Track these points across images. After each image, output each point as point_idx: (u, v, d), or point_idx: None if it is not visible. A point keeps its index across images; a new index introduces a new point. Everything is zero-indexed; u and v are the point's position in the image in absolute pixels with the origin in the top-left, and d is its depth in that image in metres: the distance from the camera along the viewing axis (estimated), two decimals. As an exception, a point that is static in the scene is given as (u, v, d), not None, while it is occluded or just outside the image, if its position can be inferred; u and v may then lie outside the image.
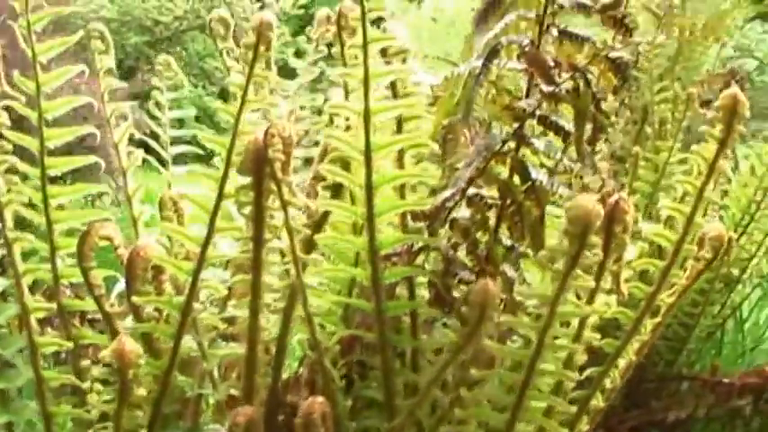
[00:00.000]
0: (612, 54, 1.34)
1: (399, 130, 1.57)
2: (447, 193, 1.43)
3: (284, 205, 1.49)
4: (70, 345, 1.79)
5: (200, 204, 1.56)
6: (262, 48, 1.47)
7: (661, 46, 3.38)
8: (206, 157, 2.10)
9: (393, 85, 1.55)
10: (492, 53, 1.36)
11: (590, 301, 1.53)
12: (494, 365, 1.50)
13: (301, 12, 26.23)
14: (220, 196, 1.55)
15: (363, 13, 1.38)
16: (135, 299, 1.62)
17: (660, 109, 3.53)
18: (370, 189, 1.47)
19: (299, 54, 2.46)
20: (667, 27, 3.52)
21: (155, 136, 2.53)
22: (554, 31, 1.36)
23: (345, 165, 1.59)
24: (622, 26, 1.32)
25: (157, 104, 2.49)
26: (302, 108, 2.21)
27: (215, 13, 2.27)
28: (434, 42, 17.03)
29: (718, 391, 3.40)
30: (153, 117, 2.43)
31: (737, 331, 4.06)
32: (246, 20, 23.62)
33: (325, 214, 1.67)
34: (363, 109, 1.44)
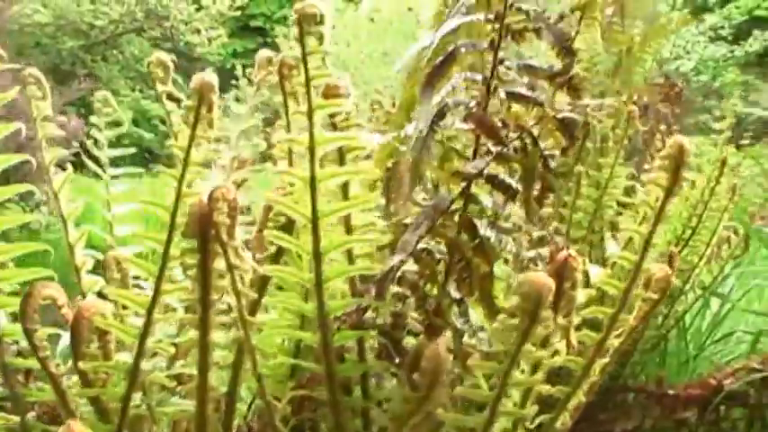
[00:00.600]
0: (560, 114, 1.34)
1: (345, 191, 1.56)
2: (395, 259, 1.41)
3: (230, 268, 1.47)
4: (15, 419, 1.75)
5: (145, 268, 1.54)
6: (203, 110, 1.45)
7: (600, 63, 3.40)
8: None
9: (340, 149, 1.53)
10: (439, 115, 1.35)
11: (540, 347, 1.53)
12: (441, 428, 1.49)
13: (238, 13, 26.11)
14: (165, 259, 1.53)
15: (308, 81, 1.36)
16: (81, 365, 1.59)
17: (601, 125, 3.54)
18: (317, 255, 1.46)
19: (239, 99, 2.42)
20: (608, 42, 3.55)
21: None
22: (501, 93, 1.35)
23: (290, 221, 1.57)
24: (571, 88, 1.31)
25: (96, 142, 2.44)
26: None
27: (153, 55, 2.22)
28: (373, 42, 17.01)
29: (664, 403, 3.44)
30: (91, 157, 2.38)
31: (680, 339, 4.10)
32: (185, 22, 23.44)
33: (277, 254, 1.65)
34: (309, 176, 1.43)
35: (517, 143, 1.37)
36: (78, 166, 2.35)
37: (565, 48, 1.28)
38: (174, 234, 1.52)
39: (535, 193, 1.41)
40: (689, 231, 3.71)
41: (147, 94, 26.50)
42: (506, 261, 1.54)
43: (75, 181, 2.12)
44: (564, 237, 2.89)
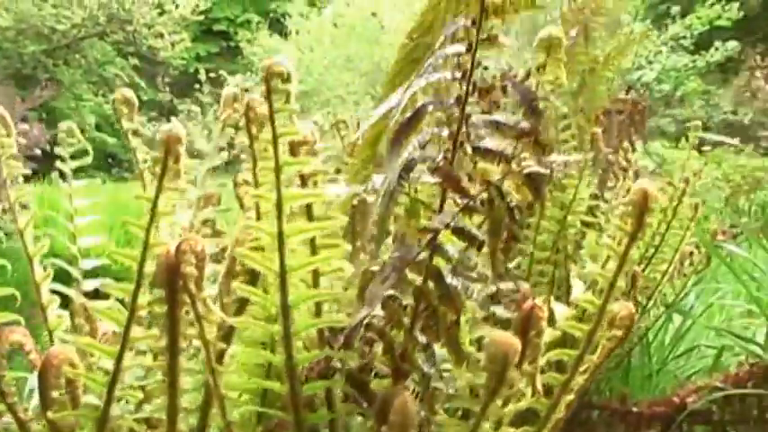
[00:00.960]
0: (527, 169, 1.35)
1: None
2: (363, 313, 1.42)
3: (199, 319, 1.47)
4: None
5: (113, 318, 1.54)
6: (170, 162, 1.45)
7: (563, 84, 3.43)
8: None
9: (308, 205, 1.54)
10: (406, 169, 1.36)
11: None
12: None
13: (201, 17, 26.04)
14: (133, 309, 1.53)
15: (275, 139, 1.37)
16: (50, 415, 1.59)
17: (565, 146, 3.57)
18: (285, 309, 1.47)
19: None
20: (571, 64, 3.57)
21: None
22: (468, 148, 1.37)
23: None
24: (538, 145, 1.32)
25: (62, 175, 2.43)
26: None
27: (117, 92, 2.21)
28: (336, 47, 17.03)
29: (628, 421, 3.47)
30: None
31: (644, 354, 4.14)
32: (148, 27, 23.29)
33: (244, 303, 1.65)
34: (277, 232, 1.43)
35: (484, 195, 1.39)
36: (41, 175, 2.34)
37: (531, 107, 1.29)
38: (142, 283, 1.52)
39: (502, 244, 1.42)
40: (652, 250, 3.75)
41: (110, 98, 26.34)
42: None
43: (40, 190, 2.12)
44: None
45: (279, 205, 1.42)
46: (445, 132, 1.38)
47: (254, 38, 21.06)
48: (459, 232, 1.42)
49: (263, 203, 1.45)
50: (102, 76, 25.50)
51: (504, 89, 1.32)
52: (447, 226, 1.40)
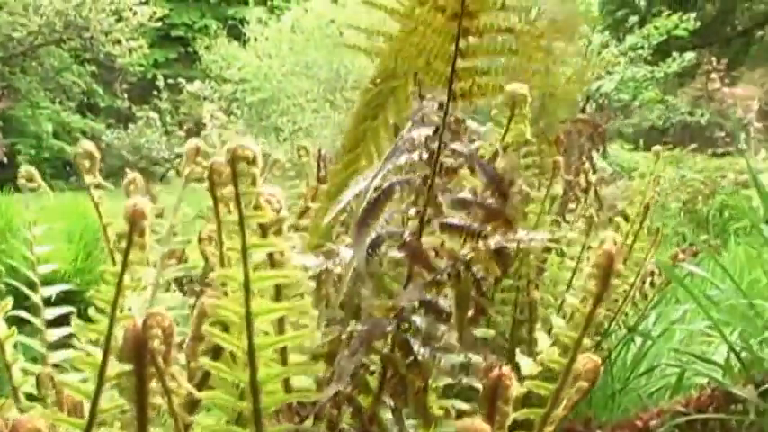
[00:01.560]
0: (494, 244, 1.36)
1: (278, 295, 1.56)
2: (332, 389, 1.43)
3: (167, 392, 1.47)
4: None
5: (80, 392, 1.53)
6: (135, 236, 1.44)
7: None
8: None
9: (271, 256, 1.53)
10: (374, 245, 1.37)
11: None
12: None
13: (159, 24, 25.90)
14: (101, 381, 1.52)
15: (241, 221, 1.36)
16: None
17: (526, 175, 3.59)
18: (254, 386, 1.47)
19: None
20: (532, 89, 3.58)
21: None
22: (435, 224, 1.37)
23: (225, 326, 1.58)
24: (505, 222, 1.33)
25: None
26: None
27: (79, 145, 2.19)
28: (295, 54, 16.96)
29: (592, 444, 3.49)
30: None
31: (606, 374, 4.16)
32: (105, 33, 23.08)
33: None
34: (245, 312, 1.43)
35: (451, 269, 1.40)
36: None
37: (498, 189, 1.30)
38: (109, 357, 1.51)
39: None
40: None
41: (68, 105, 26.22)
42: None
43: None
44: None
45: (246, 285, 1.42)
46: (413, 210, 1.39)
47: (212, 44, 20.99)
48: (427, 306, 1.43)
49: (230, 283, 1.44)
50: (59, 84, 25.33)
51: (471, 170, 1.33)
52: (414, 301, 1.41)
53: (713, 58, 21.27)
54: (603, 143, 4.40)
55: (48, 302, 2.26)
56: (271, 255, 1.54)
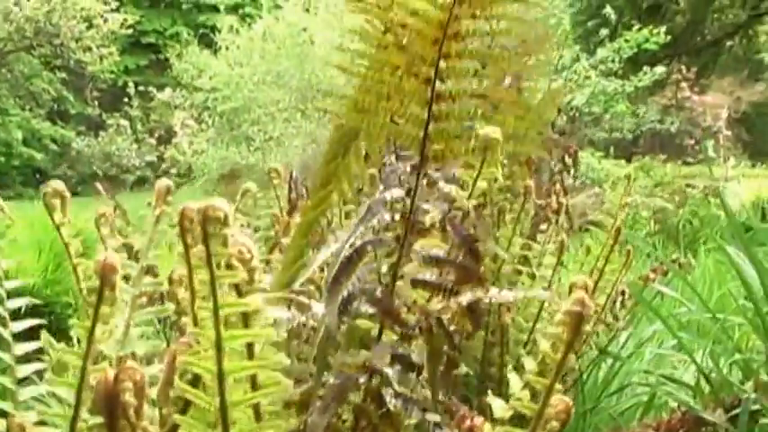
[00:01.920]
0: (466, 301, 1.36)
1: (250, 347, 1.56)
2: (304, 446, 1.43)
3: (139, 445, 1.46)
4: None
5: (51, 443, 1.52)
6: (106, 291, 1.44)
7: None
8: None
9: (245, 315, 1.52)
10: (346, 302, 1.37)
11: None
12: None
13: (130, 31, 25.81)
14: (72, 433, 1.51)
15: (213, 281, 1.35)
16: None
17: (498, 198, 3.60)
18: (224, 409, 1.46)
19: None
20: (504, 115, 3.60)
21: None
22: (408, 280, 1.37)
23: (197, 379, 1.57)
24: (477, 280, 1.34)
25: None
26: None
27: (49, 185, 2.16)
28: (266, 63, 16.88)
29: (564, 467, 3.49)
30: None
31: (578, 393, 4.17)
32: (76, 40, 22.98)
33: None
34: (217, 371, 1.42)
35: (423, 324, 1.40)
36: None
37: (470, 250, 1.31)
38: (81, 409, 1.50)
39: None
40: (585, 297, 3.77)
41: (38, 112, 26.09)
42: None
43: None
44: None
45: (218, 344, 1.41)
46: (384, 268, 1.39)
47: (183, 52, 20.91)
48: (398, 360, 1.43)
49: (202, 341, 1.43)
50: (29, 91, 25.19)
51: (444, 230, 1.33)
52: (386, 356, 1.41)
53: (683, 67, 21.40)
54: (575, 164, 4.42)
55: (16, 315, 2.23)
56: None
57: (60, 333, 2.25)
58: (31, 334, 2.23)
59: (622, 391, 4.34)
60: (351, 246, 1.35)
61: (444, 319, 1.38)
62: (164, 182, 2.04)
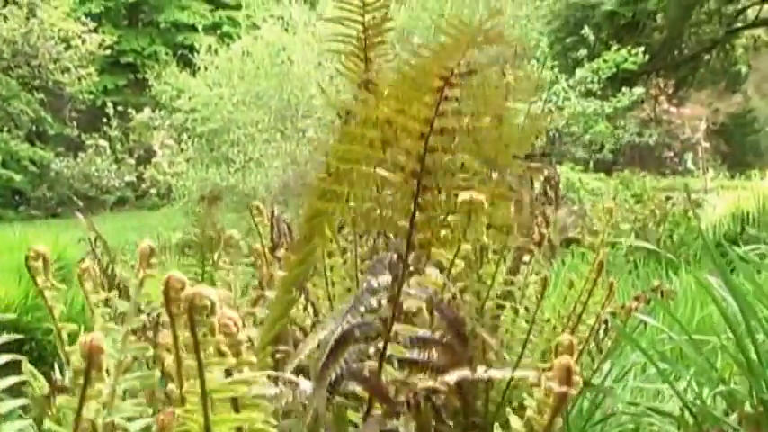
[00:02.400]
0: (455, 379, 1.37)
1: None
2: None
3: None
4: None
5: None
6: (93, 372, 1.43)
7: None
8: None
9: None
10: (335, 383, 1.37)
11: None
12: None
13: (108, 52, 25.78)
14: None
15: (200, 366, 1.35)
16: None
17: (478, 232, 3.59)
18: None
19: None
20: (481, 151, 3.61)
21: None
22: (394, 362, 1.38)
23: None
24: (464, 360, 1.34)
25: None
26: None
27: (30, 249, 2.13)
28: (246, 83, 16.85)
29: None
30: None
31: (563, 422, 4.18)
32: (54, 61, 22.97)
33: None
34: (203, 423, 1.41)
35: (411, 400, 1.40)
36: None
37: (457, 333, 1.31)
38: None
39: None
40: (568, 332, 3.79)
41: (16, 134, 26.00)
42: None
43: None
44: None
45: (207, 429, 1.41)
46: (371, 349, 1.40)
47: (161, 71, 20.88)
48: (386, 433, 1.43)
49: (190, 425, 1.43)
50: (7, 112, 25.10)
51: (431, 313, 1.34)
52: None
53: (660, 82, 21.53)
54: (557, 197, 4.43)
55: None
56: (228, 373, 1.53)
57: (41, 360, 2.24)
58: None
59: (606, 420, 4.35)
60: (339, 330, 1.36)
61: (432, 397, 1.38)
62: (146, 244, 2.03)
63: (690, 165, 23.01)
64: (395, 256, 1.32)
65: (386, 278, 1.34)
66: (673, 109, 23.53)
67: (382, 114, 1.34)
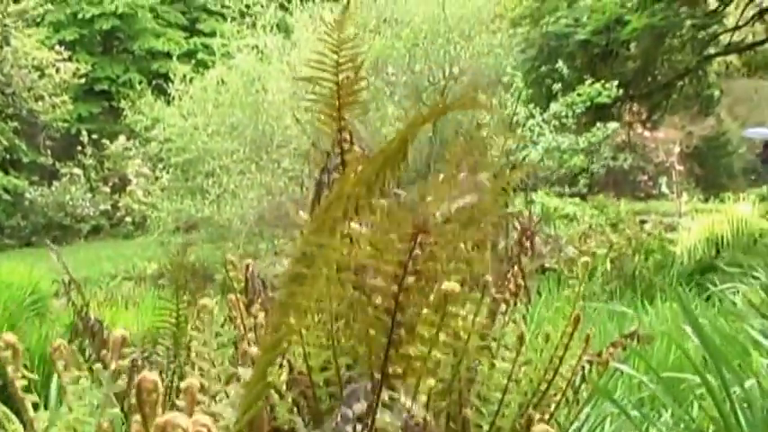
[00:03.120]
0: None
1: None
2: None
3: None
4: None
5: None
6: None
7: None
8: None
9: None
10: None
11: None
12: None
13: (82, 81, 25.67)
14: None
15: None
16: None
17: (453, 278, 3.59)
18: None
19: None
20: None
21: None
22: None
23: None
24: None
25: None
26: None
27: (2, 337, 2.10)
28: (220, 114, 16.83)
29: None
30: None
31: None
32: (28, 89, 22.85)
33: None
34: None
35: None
36: None
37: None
38: None
39: None
40: (545, 384, 3.79)
41: (-12, 162, 25.92)
42: None
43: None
44: None
45: None
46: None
47: (136, 99, 20.86)
48: None
49: None
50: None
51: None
52: None
53: (635, 106, 21.63)
54: (532, 247, 4.43)
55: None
56: None
57: (13, 400, 2.19)
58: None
59: (584, 469, 4.35)
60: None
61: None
62: (119, 333, 2.00)
63: (664, 188, 23.11)
64: (368, 385, 1.31)
65: (360, 406, 1.33)
66: (647, 133, 23.65)
67: (356, 261, 1.33)
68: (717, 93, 24.56)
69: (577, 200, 18.14)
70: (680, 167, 24.00)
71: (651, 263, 14.39)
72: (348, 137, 3.15)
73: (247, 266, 4.00)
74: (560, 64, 16.14)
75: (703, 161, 27.55)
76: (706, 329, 4.15)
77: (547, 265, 12.72)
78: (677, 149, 24.17)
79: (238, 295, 3.66)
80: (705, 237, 15.11)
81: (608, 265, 13.97)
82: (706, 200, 20.42)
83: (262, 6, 17.99)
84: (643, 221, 17.25)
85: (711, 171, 27.61)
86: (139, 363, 3.56)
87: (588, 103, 15.11)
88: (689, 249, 14.90)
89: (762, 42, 22.13)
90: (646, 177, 24.52)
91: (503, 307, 4.27)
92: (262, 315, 3.47)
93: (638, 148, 23.72)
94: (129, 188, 22.05)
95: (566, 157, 15.46)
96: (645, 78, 20.07)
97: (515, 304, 4.31)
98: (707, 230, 15.33)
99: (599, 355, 4.60)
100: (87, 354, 3.90)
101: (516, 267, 4.49)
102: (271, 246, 15.69)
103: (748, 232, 15.40)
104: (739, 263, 13.73)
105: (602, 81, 16.04)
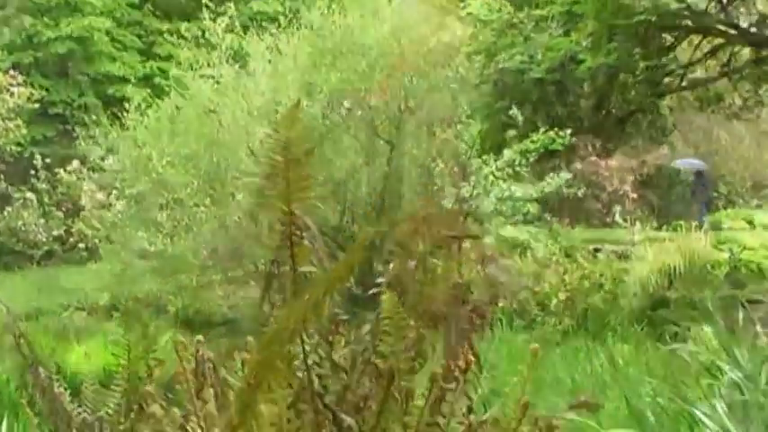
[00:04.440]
0: None
1: None
2: None
3: None
4: None
5: None
6: None
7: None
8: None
9: None
10: None
11: None
12: None
13: (36, 105, 25.42)
14: None
15: None
16: None
17: (405, 355, 3.61)
18: None
19: None
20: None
21: None
22: None
23: None
24: None
25: None
26: None
27: None
28: (176, 145, 16.67)
29: None
30: None
31: None
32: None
33: None
34: None
35: None
36: None
37: None
38: None
39: None
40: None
41: (-56, 187, 25.56)
42: None
43: None
44: None
45: None
46: None
47: (91, 125, 20.74)
48: None
49: None
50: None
51: None
52: None
53: (589, 144, 21.78)
54: (484, 326, 4.44)
55: None
56: None
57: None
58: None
59: None
60: None
61: None
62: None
63: (618, 217, 23.29)
64: None
65: None
66: (601, 162, 23.80)
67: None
68: (670, 122, 24.76)
69: (532, 227, 18.20)
70: (633, 195, 24.17)
71: (603, 298, 14.48)
72: (298, 230, 3.17)
73: (197, 350, 3.99)
74: (514, 110, 16.25)
75: (657, 189, 27.74)
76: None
77: (501, 302, 12.71)
78: (631, 178, 24.34)
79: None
80: (657, 268, 15.19)
81: (561, 302, 14.04)
82: (659, 228, 20.60)
83: (218, 36, 17.91)
84: (597, 249, 17.33)
85: (665, 199, 27.81)
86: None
87: (542, 150, 15.21)
88: (642, 281, 14.98)
89: (715, 79, 22.39)
90: (600, 205, 24.62)
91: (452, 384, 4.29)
92: (212, 400, 3.48)
93: (593, 176, 23.87)
94: (82, 213, 21.89)
95: (518, 206, 15.56)
96: (598, 112, 20.23)
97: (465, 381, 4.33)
98: (659, 261, 15.43)
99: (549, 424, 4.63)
100: (37, 408, 3.88)
101: (467, 345, 4.51)
102: (224, 277, 15.64)
103: (700, 263, 15.51)
104: (691, 297, 13.86)
105: (556, 125, 16.17)
